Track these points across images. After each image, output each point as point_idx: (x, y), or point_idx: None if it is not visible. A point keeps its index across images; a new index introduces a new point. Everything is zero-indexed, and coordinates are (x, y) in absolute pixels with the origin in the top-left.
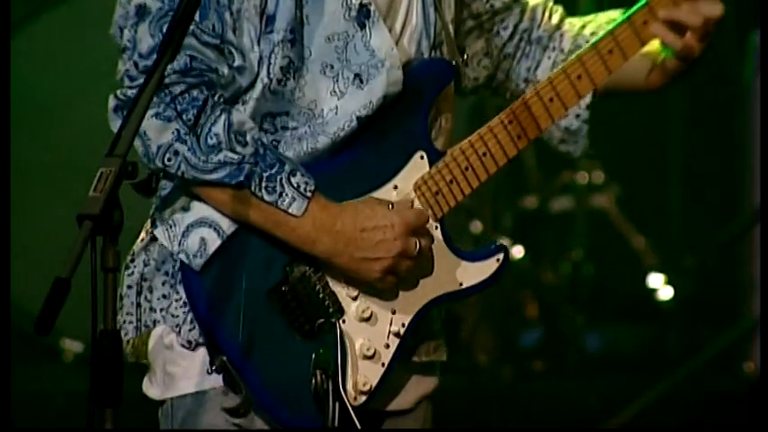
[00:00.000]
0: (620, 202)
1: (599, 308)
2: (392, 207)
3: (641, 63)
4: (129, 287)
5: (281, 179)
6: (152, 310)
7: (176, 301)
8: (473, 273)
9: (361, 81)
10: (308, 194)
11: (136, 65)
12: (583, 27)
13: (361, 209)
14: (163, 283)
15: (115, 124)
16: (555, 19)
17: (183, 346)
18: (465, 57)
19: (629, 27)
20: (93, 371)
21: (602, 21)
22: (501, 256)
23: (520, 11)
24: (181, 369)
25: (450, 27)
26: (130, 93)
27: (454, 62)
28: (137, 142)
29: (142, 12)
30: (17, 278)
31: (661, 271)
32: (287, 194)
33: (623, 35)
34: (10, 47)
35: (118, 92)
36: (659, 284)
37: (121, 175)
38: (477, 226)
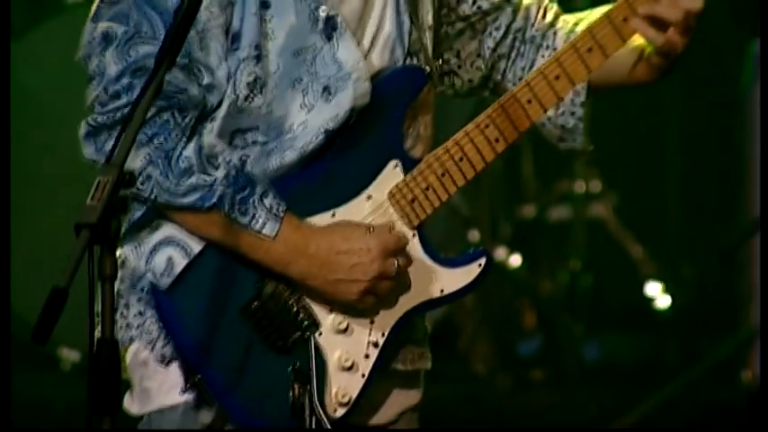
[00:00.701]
0: (617, 211)
1: (597, 317)
2: (372, 230)
3: (628, 57)
4: None
5: (253, 201)
6: (128, 326)
7: (151, 317)
8: (454, 279)
9: (329, 94)
10: (281, 215)
11: (105, 90)
12: (576, 24)
13: (338, 231)
14: (138, 300)
15: (88, 151)
16: (549, 16)
17: (157, 361)
18: (440, 62)
19: (608, 24)
20: (91, 380)
21: (596, 17)
22: (483, 260)
23: (512, 10)
24: (156, 384)
25: (428, 33)
26: (101, 119)
27: (428, 69)
28: None
29: (108, 38)
30: (16, 286)
31: (659, 280)
32: (259, 216)
33: (602, 33)
34: (10, 53)
35: (89, 118)
36: (657, 293)
37: (119, 184)
38: (474, 235)
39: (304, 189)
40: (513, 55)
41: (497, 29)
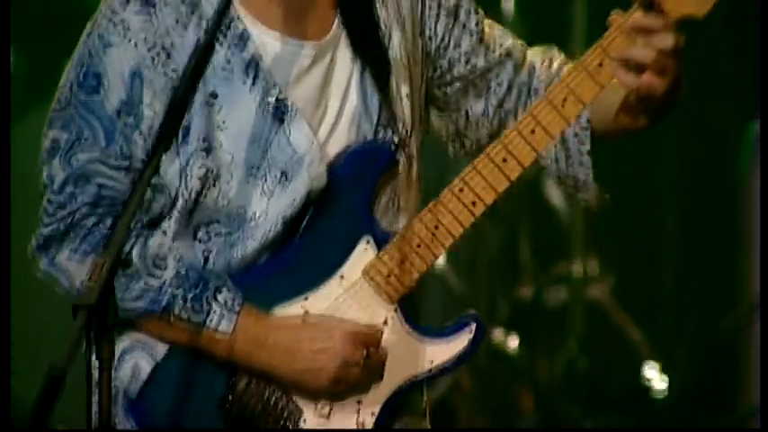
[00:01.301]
0: (615, 294)
1: (594, 399)
2: (340, 319)
3: (613, 104)
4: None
5: (206, 298)
6: (118, 423)
7: None
8: (444, 349)
9: (286, 179)
10: (236, 309)
11: (50, 201)
12: None
13: (301, 321)
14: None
15: (42, 264)
16: (555, 66)
17: None
18: (408, 130)
19: (582, 72)
20: None
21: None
22: (473, 327)
23: (514, 65)
24: None
25: (405, 102)
26: (46, 231)
27: (396, 142)
28: (61, 280)
29: (55, 146)
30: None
31: (657, 362)
32: (214, 312)
33: (576, 81)
34: (10, 135)
35: (38, 231)
36: (655, 376)
37: (116, 265)
38: None
39: (274, 276)
40: (519, 109)
41: (500, 85)
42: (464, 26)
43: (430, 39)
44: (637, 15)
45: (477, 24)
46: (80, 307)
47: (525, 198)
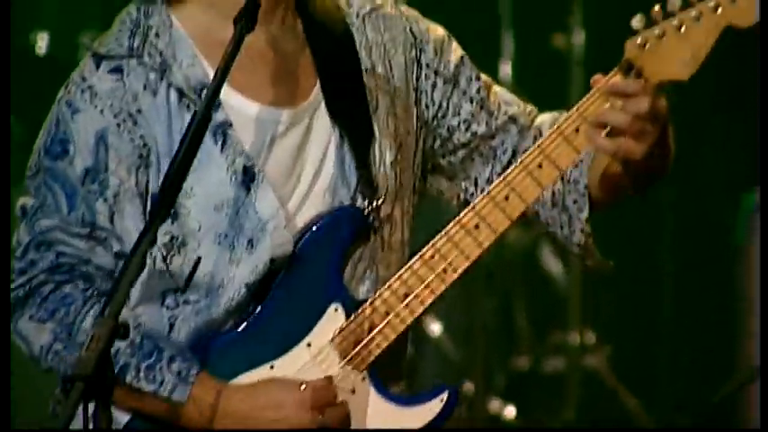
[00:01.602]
0: (612, 363)
1: None
2: (300, 384)
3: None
4: None
5: (160, 367)
6: None
7: None
8: (415, 417)
9: (252, 246)
10: (191, 379)
11: (13, 269)
12: None
13: (260, 386)
14: None
15: (14, 325)
16: None
17: None
18: (391, 198)
19: (558, 136)
20: None
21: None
22: (445, 395)
23: (518, 131)
24: None
25: (388, 170)
26: (12, 295)
27: (373, 208)
28: (23, 346)
29: (23, 211)
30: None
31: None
32: (168, 382)
33: (552, 146)
34: (10, 200)
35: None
36: None
37: (113, 335)
38: (469, 387)
39: (241, 343)
40: None
41: (504, 152)
42: (464, 93)
43: (427, 107)
44: (615, 78)
45: (478, 91)
46: (77, 377)
47: (521, 267)
